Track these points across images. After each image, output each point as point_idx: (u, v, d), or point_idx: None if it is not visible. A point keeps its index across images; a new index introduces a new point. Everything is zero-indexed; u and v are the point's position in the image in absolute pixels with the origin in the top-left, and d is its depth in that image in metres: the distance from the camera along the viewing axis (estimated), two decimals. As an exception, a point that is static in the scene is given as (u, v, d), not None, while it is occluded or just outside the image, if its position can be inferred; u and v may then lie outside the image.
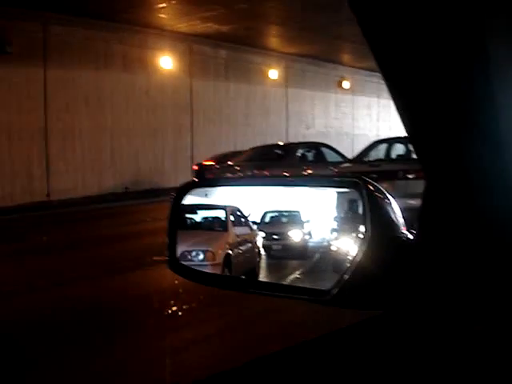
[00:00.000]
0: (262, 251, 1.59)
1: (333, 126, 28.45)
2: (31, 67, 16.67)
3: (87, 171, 18.08)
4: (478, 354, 0.83)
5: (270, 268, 1.58)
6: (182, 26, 19.13)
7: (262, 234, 1.64)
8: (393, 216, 0.99)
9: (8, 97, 16.19)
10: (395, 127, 32.62)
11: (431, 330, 0.90)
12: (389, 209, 1.00)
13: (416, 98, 0.82)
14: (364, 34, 0.81)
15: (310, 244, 1.48)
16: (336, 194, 1.30)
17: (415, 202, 1.05)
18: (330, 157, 14.34)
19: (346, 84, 28.56)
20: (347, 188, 1.14)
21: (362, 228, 1.04)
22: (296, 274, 1.40)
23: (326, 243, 1.35)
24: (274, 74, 24.41)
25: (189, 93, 21.22)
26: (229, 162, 14.89)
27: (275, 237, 1.65)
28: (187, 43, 20.72)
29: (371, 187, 1.02)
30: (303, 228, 1.54)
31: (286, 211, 1.69)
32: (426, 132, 0.84)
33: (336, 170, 11.50)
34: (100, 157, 18.47)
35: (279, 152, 14.85)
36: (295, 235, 1.59)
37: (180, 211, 1.44)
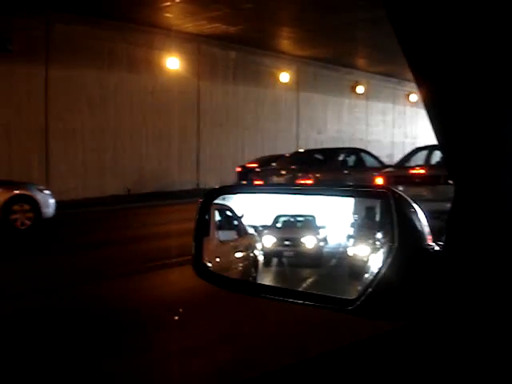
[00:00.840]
0: (261, 259, 1.54)
1: (345, 132, 27.82)
2: (33, 66, 16.38)
3: (88, 172, 17.71)
4: (506, 368, 0.84)
5: (280, 277, 1.56)
6: (189, 25, 18.72)
7: (272, 240, 1.59)
8: (420, 227, 0.99)
9: (8, 96, 15.92)
10: (411, 134, 31.95)
11: (457, 342, 0.90)
12: (416, 220, 1.00)
13: (449, 107, 0.84)
14: (400, 43, 0.82)
15: (326, 250, 1.43)
16: (353, 201, 1.29)
17: None
18: (369, 162, 14.66)
19: (360, 89, 27.94)
20: (375, 198, 1.14)
21: (379, 235, 1.13)
22: (309, 282, 1.37)
23: (342, 249, 1.34)
24: (285, 77, 23.89)
25: (196, 94, 20.79)
26: (273, 164, 15.17)
27: (287, 243, 1.59)
28: (195, 44, 20.29)
29: (399, 198, 1.03)
30: (318, 234, 1.49)
31: (299, 215, 1.63)
32: (457, 140, 0.86)
33: (379, 175, 11.72)
34: (102, 158, 18.10)
35: (319, 157, 15.18)
36: (309, 241, 1.55)
37: (206, 217, 1.43)
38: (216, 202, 1.48)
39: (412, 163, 11.96)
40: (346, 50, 23.81)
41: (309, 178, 13.32)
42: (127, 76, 18.60)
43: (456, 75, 0.80)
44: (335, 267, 1.35)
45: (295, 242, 1.58)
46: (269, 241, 1.60)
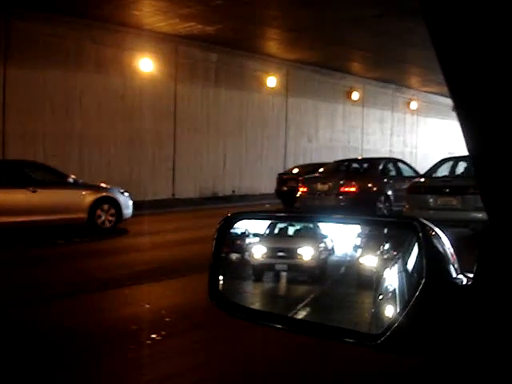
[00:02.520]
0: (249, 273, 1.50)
1: (339, 140, 26.47)
2: (-12, 65, 15.28)
3: (49, 180, 16.53)
4: None
5: (269, 297, 1.49)
6: (163, 25, 17.52)
7: (262, 250, 1.50)
8: (448, 260, 0.98)
9: (-40, 96, 14.83)
10: (410, 143, 30.52)
11: (485, 381, 0.89)
12: (444, 252, 0.98)
13: (484, 119, 0.82)
14: (436, 50, 0.82)
15: (331, 261, 1.37)
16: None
17: (482, 216, 1.28)
18: (406, 171, 15.45)
19: (355, 95, 26.58)
20: (403, 229, 1.12)
21: (386, 246, 1.22)
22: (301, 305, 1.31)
23: (349, 258, 1.31)
24: (272, 81, 22.61)
25: (172, 98, 19.56)
26: (317, 174, 15.62)
27: (280, 254, 1.50)
28: (172, 44, 19.08)
29: (428, 230, 1.00)
30: (320, 244, 1.41)
31: (299, 222, 1.57)
32: (490, 154, 0.85)
33: (409, 186, 12.43)
34: (66, 165, 16.78)
35: (359, 166, 15.85)
36: (306, 253, 1.46)
37: (223, 244, 1.37)
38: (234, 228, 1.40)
39: (439, 173, 12.48)
40: (339, 54, 22.48)
41: (352, 186, 13.97)
42: (95, 78, 17.43)
43: (493, 86, 0.78)
44: (339, 282, 1.31)
45: (290, 254, 1.47)
46: (259, 251, 1.50)
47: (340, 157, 26.09)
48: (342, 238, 1.33)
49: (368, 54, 22.98)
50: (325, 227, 1.42)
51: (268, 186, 22.57)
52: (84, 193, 12.22)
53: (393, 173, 15.25)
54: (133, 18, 16.82)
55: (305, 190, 14.90)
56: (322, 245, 1.41)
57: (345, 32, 19.37)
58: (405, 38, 20.12)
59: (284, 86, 23.23)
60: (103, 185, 13.11)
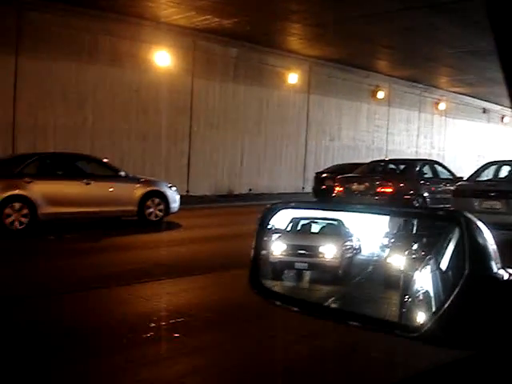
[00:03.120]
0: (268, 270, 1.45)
1: (363, 140, 25.74)
2: (1, 55, 15.02)
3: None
4: None
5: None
6: (179, 17, 17.08)
7: (282, 247, 1.47)
8: (491, 254, 0.98)
9: (-29, 87, 14.63)
10: (438, 145, 29.62)
11: None
12: (488, 246, 0.98)
13: None
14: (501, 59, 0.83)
15: (357, 260, 1.36)
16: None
17: None
18: (442, 173, 15.43)
19: (380, 94, 25.81)
20: (447, 222, 1.12)
21: (415, 247, 1.23)
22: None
23: (376, 258, 1.30)
24: (293, 77, 22.02)
25: (189, 93, 19.13)
26: (353, 174, 15.46)
27: (301, 251, 1.47)
28: (190, 38, 18.64)
29: (472, 224, 1.01)
30: (344, 242, 1.40)
31: (323, 219, 1.51)
32: None
33: (453, 188, 12.40)
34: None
35: (396, 167, 15.85)
36: (329, 251, 1.43)
37: (265, 233, 1.37)
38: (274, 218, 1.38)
39: (483, 177, 12.52)
40: (363, 51, 21.76)
41: (388, 187, 13.94)
42: (109, 71, 17.09)
43: None
44: (365, 282, 1.29)
45: (311, 252, 1.43)
46: (278, 248, 1.46)
47: (363, 157, 25.42)
48: (368, 237, 1.32)
49: (394, 52, 22.23)
50: (351, 224, 1.38)
51: (287, 185, 22.03)
52: (135, 186, 12.59)
53: (429, 174, 15.15)
54: (148, 10, 16.42)
55: (341, 189, 14.88)
56: (348, 243, 1.39)
57: (369, 28, 18.69)
58: (432, 35, 19.38)
59: (306, 83, 22.62)
60: (152, 178, 13.68)
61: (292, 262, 1.42)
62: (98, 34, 16.73)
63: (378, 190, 13.95)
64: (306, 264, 1.44)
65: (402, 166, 15.77)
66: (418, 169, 15.19)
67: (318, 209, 1.52)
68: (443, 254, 1.10)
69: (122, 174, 12.63)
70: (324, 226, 1.50)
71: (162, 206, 12.80)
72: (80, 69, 16.52)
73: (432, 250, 1.20)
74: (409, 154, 27.47)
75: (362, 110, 25.54)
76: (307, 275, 1.44)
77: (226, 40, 19.38)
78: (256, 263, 1.33)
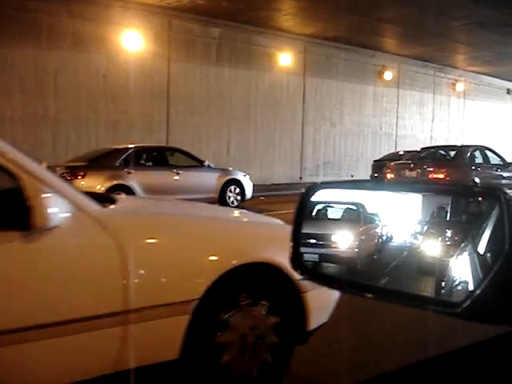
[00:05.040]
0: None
1: (369, 125, 23.92)
2: None
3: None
4: None
5: None
6: (149, -4, 15.74)
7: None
8: None
9: None
10: (455, 129, 27.59)
11: None
12: None
13: None
14: None
15: (387, 247, 1.32)
16: (421, 198, 1.27)
17: None
18: (493, 159, 15.39)
19: (388, 75, 23.91)
20: (485, 199, 1.16)
21: (449, 233, 1.23)
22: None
23: (408, 245, 1.29)
24: (286, 59, 20.38)
25: (166, 78, 17.73)
26: (404, 160, 15.74)
27: (311, 241, 1.39)
28: (164, 19, 17.23)
29: (510, 199, 1.01)
30: (365, 229, 1.35)
31: (341, 203, 1.45)
32: None
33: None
34: (38, 152, 15.35)
35: (447, 153, 15.85)
36: (343, 240, 1.37)
37: (304, 214, 1.36)
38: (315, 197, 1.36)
39: None
40: (366, 28, 19.94)
41: (440, 173, 14.03)
42: (72, 55, 15.82)
43: None
44: (397, 269, 1.27)
45: (323, 241, 1.37)
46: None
47: (370, 143, 23.71)
48: (400, 224, 1.30)
49: (400, 28, 20.39)
50: (382, 210, 1.35)
51: (281, 175, 20.51)
52: (216, 175, 13.61)
53: (480, 160, 15.12)
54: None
55: (392, 176, 15.14)
56: (371, 231, 1.34)
57: (378, 5, 17.09)
58: (444, 10, 17.58)
59: (301, 65, 20.96)
60: (230, 168, 14.55)
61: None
62: (59, 16, 15.47)
63: (430, 176, 14.12)
64: (317, 255, 1.34)
65: (453, 153, 15.75)
66: (468, 155, 15.06)
67: (360, 188, 1.45)
68: (480, 237, 1.10)
69: (206, 164, 13.67)
70: (343, 211, 1.43)
71: (239, 193, 13.89)
72: (38, 55, 15.32)
73: (468, 235, 1.18)
74: (422, 139, 25.54)
75: (367, 92, 23.69)
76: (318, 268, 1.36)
77: (206, 19, 17.90)
78: (297, 243, 1.31)
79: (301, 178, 21.22)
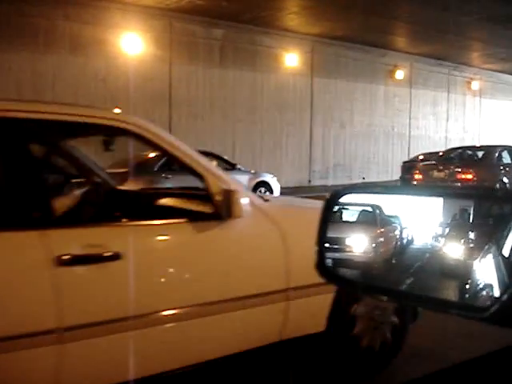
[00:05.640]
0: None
1: (380, 125, 23.32)
2: None
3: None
4: None
5: None
6: (148, -1, 15.44)
7: None
8: None
9: None
10: (471, 129, 26.87)
11: None
12: None
13: None
14: None
15: (407, 250, 1.31)
16: (442, 201, 1.26)
17: None
18: None
19: (399, 74, 23.31)
20: (509, 202, 1.13)
21: (472, 236, 1.21)
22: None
23: (430, 248, 1.28)
24: (292, 59, 19.94)
25: (167, 81, 17.42)
26: (432, 161, 15.85)
27: (326, 245, 1.34)
28: (165, 21, 16.92)
29: None
30: (382, 232, 1.31)
31: (355, 204, 1.40)
32: None
33: None
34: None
35: (471, 153, 15.77)
36: (358, 244, 1.34)
37: (330, 218, 1.36)
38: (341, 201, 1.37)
39: None
40: (376, 26, 19.40)
41: (468, 173, 13.99)
42: (70, 60, 15.59)
43: None
44: (419, 272, 1.25)
45: (336, 245, 1.32)
46: None
47: (381, 145, 23.15)
48: (421, 226, 1.29)
49: (411, 25, 19.81)
50: (403, 213, 1.33)
51: (289, 178, 20.03)
52: (247, 177, 14.16)
53: (508, 160, 14.93)
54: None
55: (420, 177, 15.14)
56: (389, 234, 1.31)
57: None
58: (457, 6, 17.01)
59: (308, 65, 20.49)
60: (259, 171, 15.45)
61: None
62: (56, 20, 15.27)
63: (458, 177, 14.07)
64: (330, 260, 1.29)
65: (481, 153, 15.72)
66: (496, 155, 14.96)
67: (386, 193, 1.40)
68: (505, 240, 1.08)
69: (237, 167, 14.38)
70: (359, 214, 1.42)
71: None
72: (36, 59, 15.13)
73: (492, 238, 1.16)
74: (437, 139, 24.90)
75: (378, 92, 23.11)
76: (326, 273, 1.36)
77: (208, 20, 17.56)
78: (321, 247, 1.31)
79: (310, 182, 20.75)
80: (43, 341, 2.40)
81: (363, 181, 22.16)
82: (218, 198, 2.87)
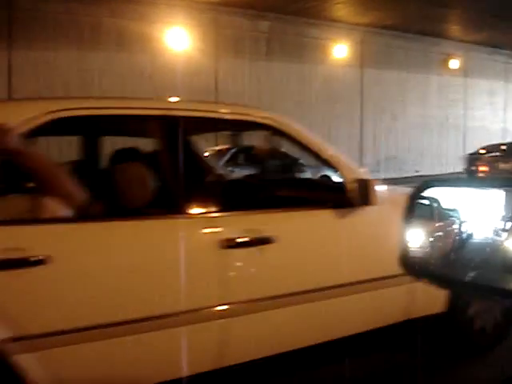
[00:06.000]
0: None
1: (434, 117, 22.53)
2: (-9, 48, 14.01)
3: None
4: None
5: None
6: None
7: None
8: None
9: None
10: (531, 118, 25.72)
11: None
12: None
13: None
14: None
15: (469, 245, 1.37)
16: (504, 194, 1.23)
17: None
18: None
19: (454, 63, 22.46)
20: None
21: None
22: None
23: (491, 242, 1.29)
24: (341, 50, 19.45)
25: (213, 75, 17.23)
26: (497, 153, 15.59)
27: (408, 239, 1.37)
28: (211, 14, 16.73)
29: None
30: (440, 226, 1.38)
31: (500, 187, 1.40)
32: None
33: None
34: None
35: None
36: (414, 239, 1.28)
37: (414, 210, 1.33)
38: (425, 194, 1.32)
39: None
40: (428, 14, 18.72)
41: None
42: (116, 56, 15.60)
43: None
44: (479, 268, 1.18)
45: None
46: None
47: (435, 136, 22.38)
48: (478, 219, 1.30)
49: (465, 12, 19.01)
50: (464, 207, 1.39)
51: (339, 172, 19.55)
52: (311, 171, 13.85)
53: None
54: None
55: (486, 169, 15.07)
56: (447, 228, 1.42)
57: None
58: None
59: (357, 56, 19.94)
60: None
61: None
62: (102, 17, 15.29)
63: None
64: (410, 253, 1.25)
65: None
66: None
67: (475, 186, 1.38)
68: None
69: (301, 161, 14.20)
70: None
71: None
72: (82, 56, 15.18)
73: None
74: (493, 130, 23.91)
75: (431, 82, 22.33)
76: None
77: (253, 13, 17.28)
78: (405, 240, 1.29)
79: (360, 175, 20.21)
80: (208, 315, 2.69)
81: (417, 174, 21.46)
82: (351, 186, 3.05)
